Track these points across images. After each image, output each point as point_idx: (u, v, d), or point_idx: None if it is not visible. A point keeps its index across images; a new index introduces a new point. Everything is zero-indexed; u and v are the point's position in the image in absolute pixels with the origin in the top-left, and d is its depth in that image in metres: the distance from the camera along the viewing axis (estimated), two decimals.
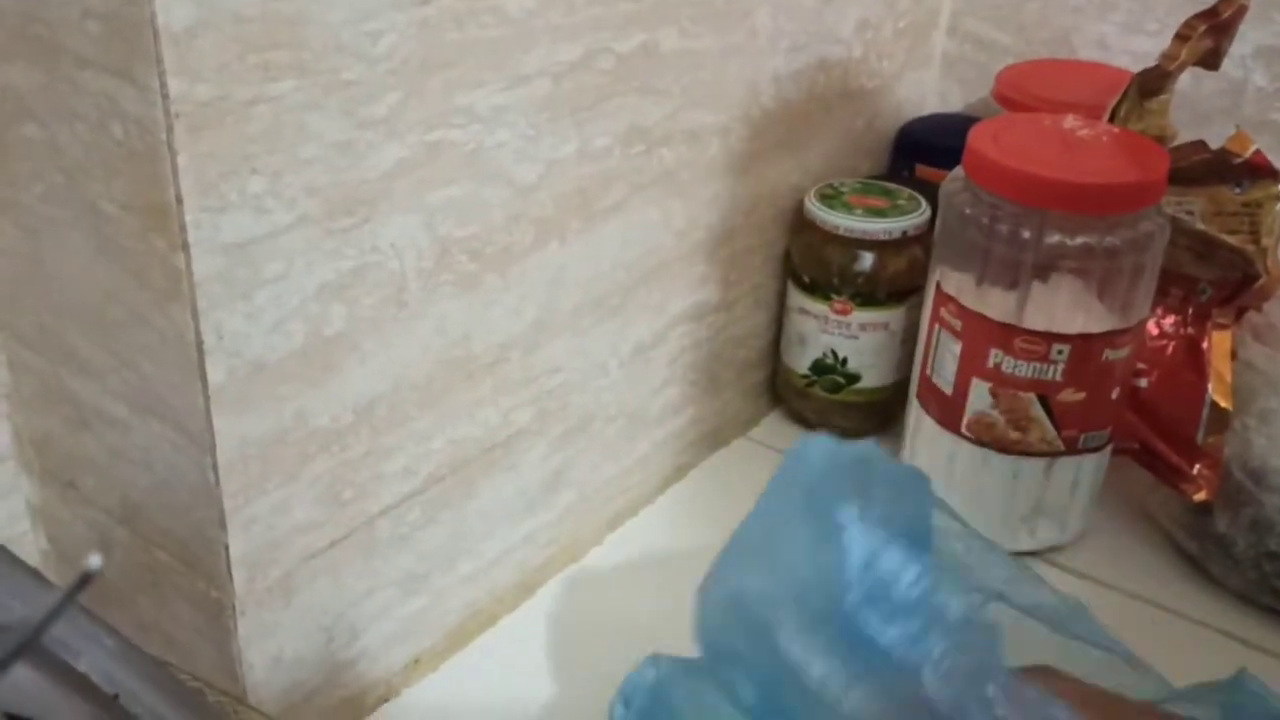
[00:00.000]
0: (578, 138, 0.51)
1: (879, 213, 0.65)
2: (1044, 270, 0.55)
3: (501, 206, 0.49)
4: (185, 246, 0.38)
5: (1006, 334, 0.55)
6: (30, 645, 0.19)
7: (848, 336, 0.66)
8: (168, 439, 0.42)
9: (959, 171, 0.57)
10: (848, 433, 0.68)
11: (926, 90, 0.77)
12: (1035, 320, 0.55)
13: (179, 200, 0.37)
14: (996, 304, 0.56)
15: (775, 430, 0.70)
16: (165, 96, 0.36)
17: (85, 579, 0.19)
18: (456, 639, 0.54)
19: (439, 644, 0.53)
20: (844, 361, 0.66)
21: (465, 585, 0.54)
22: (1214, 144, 0.58)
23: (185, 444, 0.42)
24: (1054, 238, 0.54)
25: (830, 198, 0.66)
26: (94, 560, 0.19)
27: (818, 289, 0.65)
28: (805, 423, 0.70)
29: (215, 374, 0.40)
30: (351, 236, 0.43)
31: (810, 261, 0.66)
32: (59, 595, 0.19)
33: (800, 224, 0.66)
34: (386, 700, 0.51)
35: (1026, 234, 0.54)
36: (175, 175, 0.37)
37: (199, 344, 0.39)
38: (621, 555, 0.61)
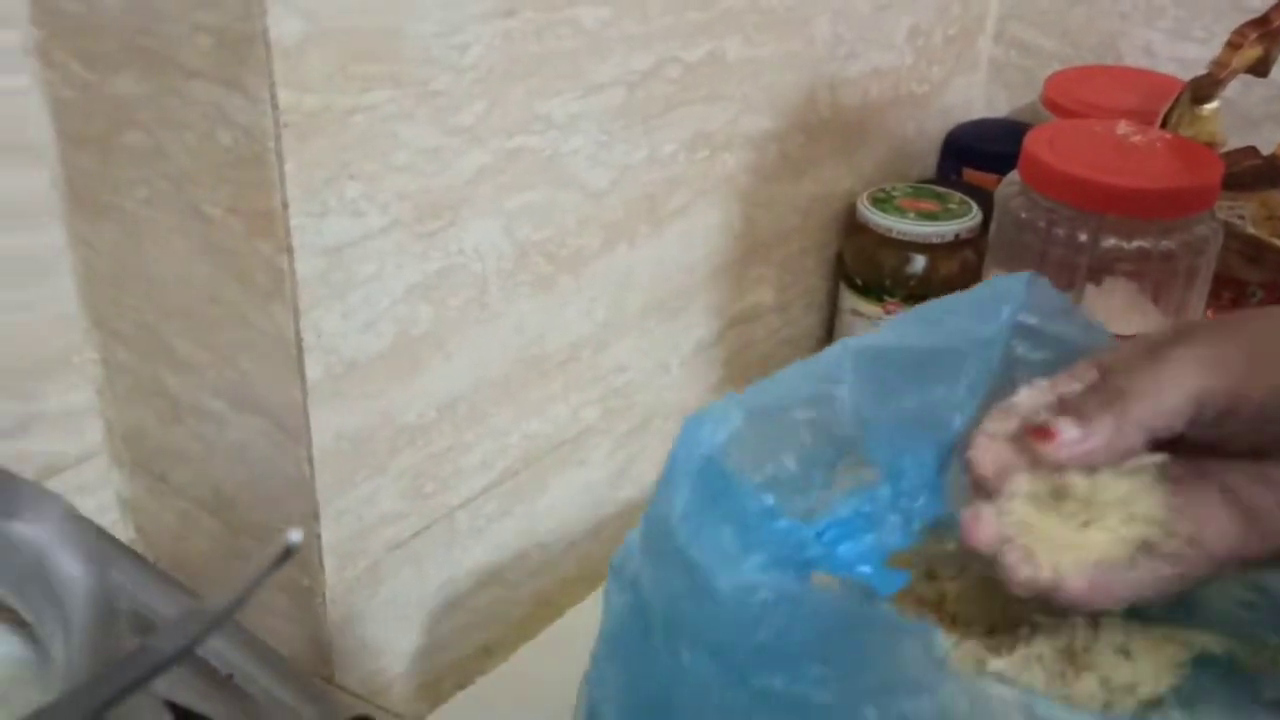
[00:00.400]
0: (647, 144, 0.52)
1: (931, 216, 0.66)
2: (1099, 273, 0.56)
3: (575, 211, 0.50)
4: (289, 249, 0.40)
5: None
6: (227, 619, 0.21)
7: None
8: (264, 433, 0.44)
9: (1014, 176, 0.59)
10: None
11: (973, 96, 0.78)
12: None
13: (285, 205, 0.39)
14: None
15: None
16: (275, 107, 0.38)
17: (287, 553, 0.21)
18: (526, 628, 0.56)
19: (510, 633, 0.55)
20: None
21: (535, 576, 0.56)
22: (1264, 150, 0.59)
23: (282, 438, 0.44)
24: (1110, 241, 0.55)
25: (882, 201, 0.67)
26: (294, 535, 0.20)
27: (870, 291, 0.67)
28: None
29: (313, 371, 0.42)
30: (438, 240, 0.45)
31: (863, 264, 0.67)
32: (259, 569, 0.21)
33: (853, 227, 0.68)
34: (462, 687, 0.53)
35: (1083, 238, 0.55)
36: (282, 181, 0.39)
37: (299, 342, 0.41)
38: None
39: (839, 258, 0.69)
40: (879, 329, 0.36)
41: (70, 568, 0.25)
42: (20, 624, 0.27)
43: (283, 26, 0.37)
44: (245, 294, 0.42)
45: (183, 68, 0.39)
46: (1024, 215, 0.57)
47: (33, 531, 0.26)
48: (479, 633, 0.54)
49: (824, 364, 0.35)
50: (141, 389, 0.49)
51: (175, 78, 0.40)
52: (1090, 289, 0.57)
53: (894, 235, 0.65)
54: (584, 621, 0.58)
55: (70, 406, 0.50)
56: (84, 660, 0.23)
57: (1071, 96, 0.69)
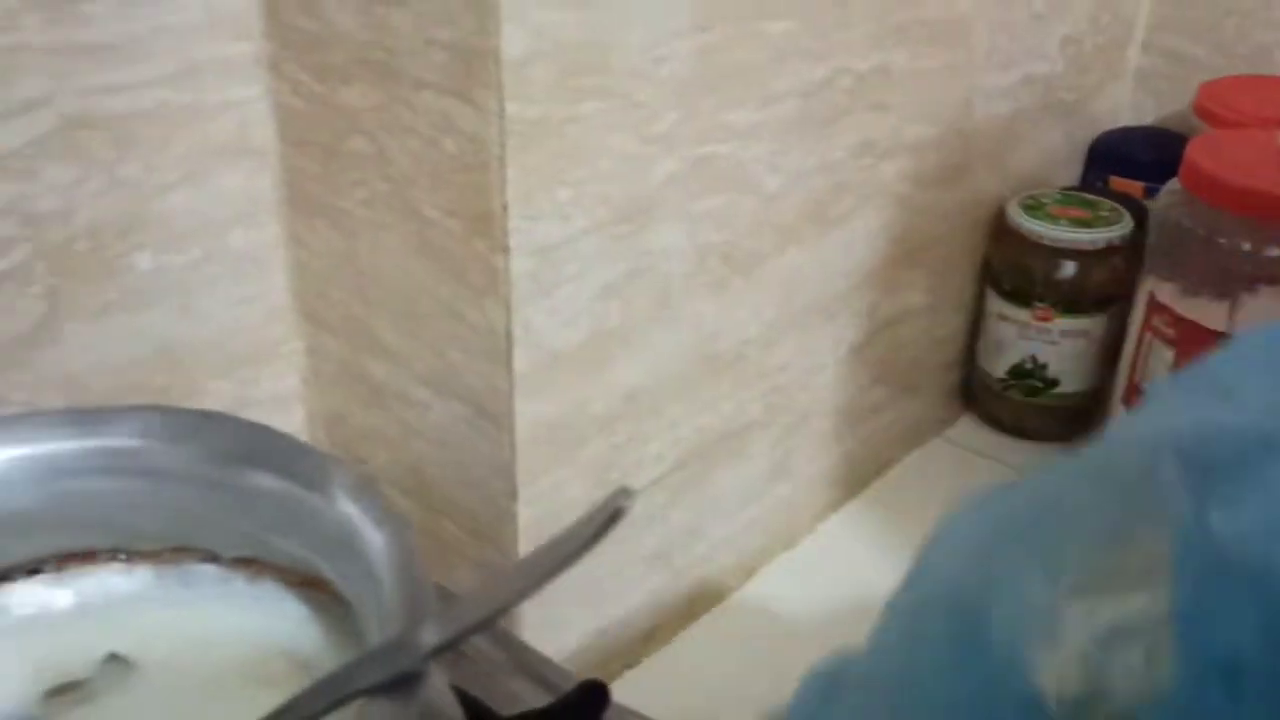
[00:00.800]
0: (818, 151, 0.55)
1: (1083, 223, 0.67)
2: (1257, 281, 0.57)
3: (750, 215, 0.53)
4: (506, 249, 0.43)
5: (1221, 343, 0.57)
6: (558, 575, 0.24)
7: (1048, 342, 0.68)
8: (467, 419, 0.47)
9: (1174, 184, 0.59)
10: (1043, 436, 0.71)
11: (1120, 104, 0.79)
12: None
13: (504, 208, 0.42)
14: (1209, 313, 0.58)
15: (970, 432, 0.73)
16: (502, 116, 0.41)
17: (616, 515, 0.23)
18: (688, 613, 0.58)
19: (673, 617, 0.58)
20: (1044, 367, 0.69)
21: (698, 564, 0.58)
22: None
23: (486, 424, 0.47)
24: (1274, 250, 0.56)
25: (1033, 208, 0.68)
26: (625, 499, 0.23)
27: (1019, 296, 0.68)
28: (1000, 425, 0.72)
29: (520, 363, 0.45)
30: (630, 242, 0.47)
31: (1012, 269, 0.68)
32: (589, 532, 0.24)
33: (1001, 232, 0.69)
34: (630, 667, 0.56)
35: (1246, 246, 0.56)
36: (503, 186, 0.42)
37: (508, 335, 0.44)
38: (830, 544, 0.64)
39: (985, 262, 0.71)
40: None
41: (372, 533, 0.28)
42: (321, 588, 0.30)
43: (513, 42, 0.40)
44: (459, 290, 0.45)
45: (413, 80, 0.43)
46: (1185, 224, 0.58)
47: (335, 500, 0.29)
48: (646, 616, 0.56)
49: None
50: (346, 376, 0.52)
51: (405, 89, 0.43)
52: (1249, 296, 0.57)
53: (1045, 242, 0.66)
54: (741, 608, 0.60)
55: (277, 392, 0.54)
56: (396, 621, 0.26)
57: (1225, 105, 0.69)
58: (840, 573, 0.63)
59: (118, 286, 0.47)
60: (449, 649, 0.25)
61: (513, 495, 0.47)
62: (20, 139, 0.43)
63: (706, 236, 0.51)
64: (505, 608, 0.25)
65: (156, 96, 0.46)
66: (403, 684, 0.25)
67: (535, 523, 0.48)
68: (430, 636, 0.25)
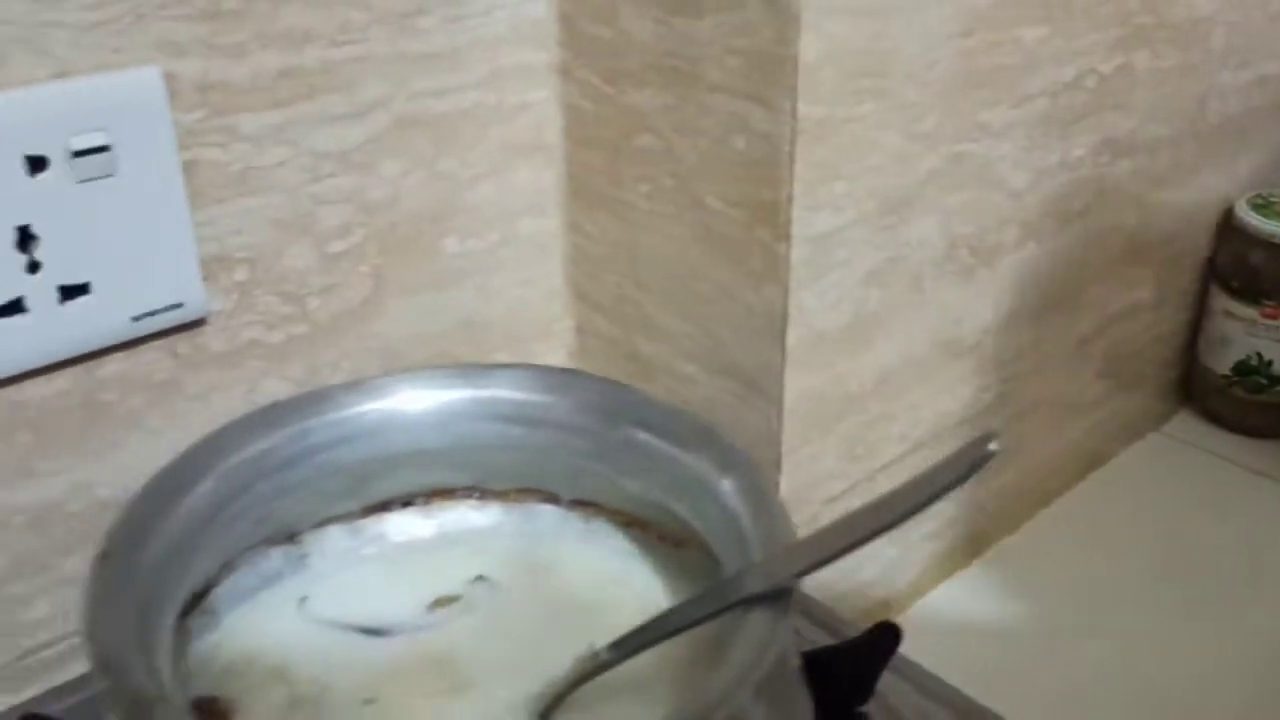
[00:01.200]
0: (1061, 149, 0.57)
1: None
2: None
3: (996, 209, 0.56)
4: (788, 237, 0.47)
5: None
6: (905, 520, 0.28)
7: (1275, 340, 0.69)
8: (734, 393, 0.52)
9: None
10: (1265, 433, 0.71)
11: None
12: None
13: (789, 200, 0.46)
14: None
15: (1188, 427, 0.74)
16: (794, 116, 0.45)
17: (985, 457, 0.27)
18: (918, 587, 0.62)
19: (904, 591, 0.61)
20: (1269, 364, 0.69)
21: (928, 541, 0.61)
22: None
23: (754, 398, 0.51)
24: None
25: (1262, 207, 0.69)
26: (994, 444, 0.27)
27: (1247, 294, 0.69)
28: (1220, 421, 0.73)
29: (792, 341, 0.49)
30: (891, 232, 0.51)
31: (1240, 267, 0.69)
32: (956, 472, 0.28)
33: (1229, 231, 0.70)
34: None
35: None
36: (791, 180, 0.46)
37: (784, 316, 0.48)
38: (1050, 530, 0.66)
39: (1209, 260, 0.72)
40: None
41: (723, 475, 0.33)
42: (646, 528, 0.35)
43: (809, 49, 0.44)
44: (736, 274, 0.49)
45: (706, 83, 0.47)
46: None
47: (688, 446, 0.33)
48: (882, 587, 0.60)
49: None
50: (614, 353, 0.58)
51: (698, 91, 0.48)
52: None
53: (1276, 240, 0.67)
54: (967, 585, 0.63)
55: (550, 365, 0.59)
56: (759, 549, 0.30)
57: None
58: (1061, 557, 0.65)
59: (430, 267, 0.53)
60: (815, 570, 0.29)
61: (776, 464, 0.51)
62: (362, 136, 0.49)
63: (957, 229, 0.54)
64: (866, 538, 0.28)
65: (470, 99, 0.52)
66: (776, 597, 0.29)
67: (795, 490, 0.53)
68: (794, 560, 0.29)
